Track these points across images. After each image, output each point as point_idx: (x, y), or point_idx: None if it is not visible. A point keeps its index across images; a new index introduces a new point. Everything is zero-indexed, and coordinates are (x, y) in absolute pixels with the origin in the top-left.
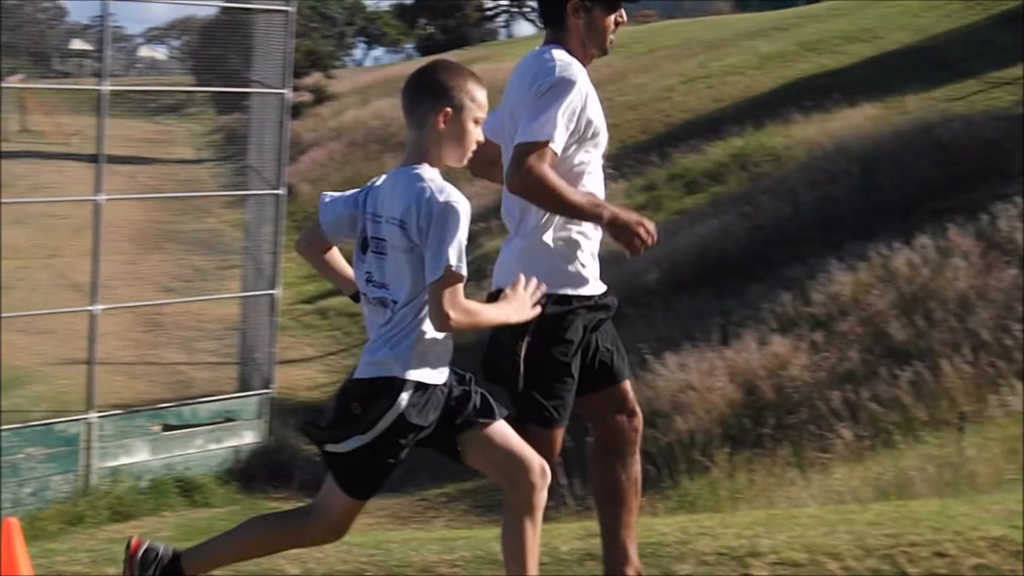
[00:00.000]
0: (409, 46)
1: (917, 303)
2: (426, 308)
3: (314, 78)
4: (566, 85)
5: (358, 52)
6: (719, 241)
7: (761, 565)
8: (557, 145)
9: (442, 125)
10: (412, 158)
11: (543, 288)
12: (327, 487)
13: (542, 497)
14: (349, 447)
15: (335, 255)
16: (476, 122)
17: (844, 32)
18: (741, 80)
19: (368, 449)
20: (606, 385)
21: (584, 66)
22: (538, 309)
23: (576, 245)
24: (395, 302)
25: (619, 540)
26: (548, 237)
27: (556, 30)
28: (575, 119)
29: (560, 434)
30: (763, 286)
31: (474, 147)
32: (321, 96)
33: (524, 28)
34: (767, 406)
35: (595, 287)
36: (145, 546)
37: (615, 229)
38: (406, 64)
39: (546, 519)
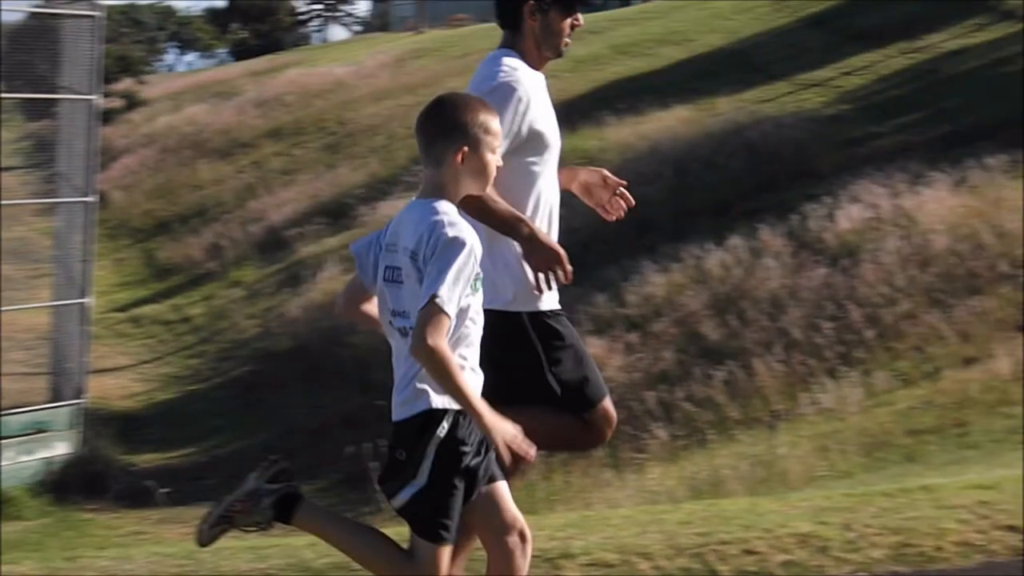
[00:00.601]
0: (222, 51)
1: (730, 303)
2: (450, 335)
3: (125, 84)
4: (507, 91)
5: (170, 57)
6: None
7: (573, 566)
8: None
9: (460, 163)
10: (429, 192)
11: (531, 455)
12: (414, 537)
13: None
14: (407, 496)
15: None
16: (493, 151)
17: (656, 35)
18: (554, 84)
19: (428, 491)
20: None
21: (538, 68)
22: (507, 456)
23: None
24: (411, 329)
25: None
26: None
27: (512, 32)
28: (513, 124)
29: None
30: (578, 288)
31: (494, 174)
32: (133, 102)
33: (338, 33)
34: None
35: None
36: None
37: (531, 246)
38: (219, 69)
39: None
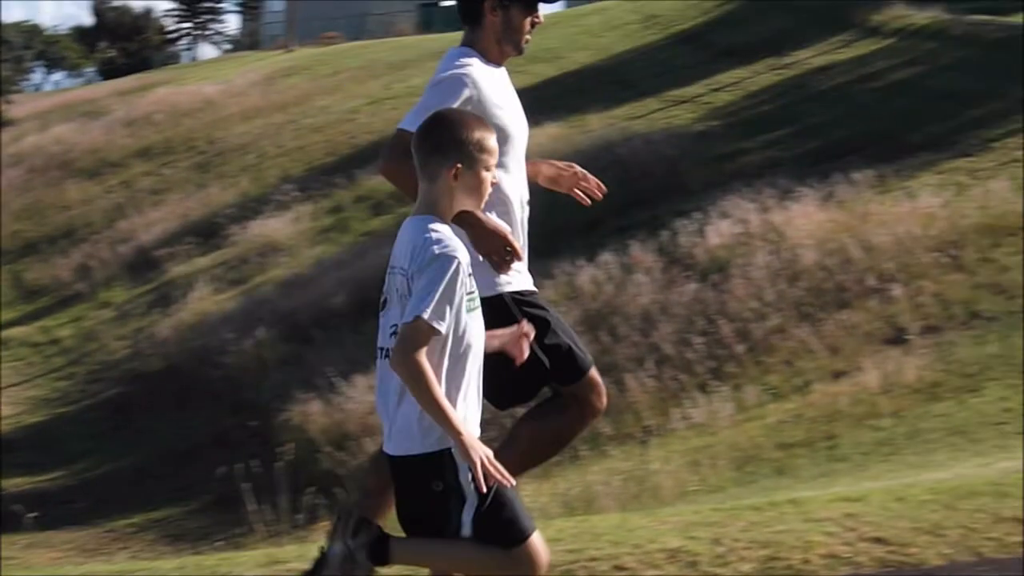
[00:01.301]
0: (90, 70)
1: (602, 319)
2: (447, 359)
3: None
4: (453, 84)
5: (37, 76)
6: None
7: None
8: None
9: (454, 181)
10: (423, 208)
11: (502, 479)
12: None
13: None
14: (469, 520)
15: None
16: (488, 168)
17: (527, 52)
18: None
19: (482, 504)
20: None
21: (499, 64)
22: (481, 481)
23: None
24: None
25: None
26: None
27: (473, 28)
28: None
29: None
30: None
31: (490, 190)
32: None
33: (207, 51)
34: None
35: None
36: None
37: (474, 232)
38: (87, 88)
39: (234, 546)
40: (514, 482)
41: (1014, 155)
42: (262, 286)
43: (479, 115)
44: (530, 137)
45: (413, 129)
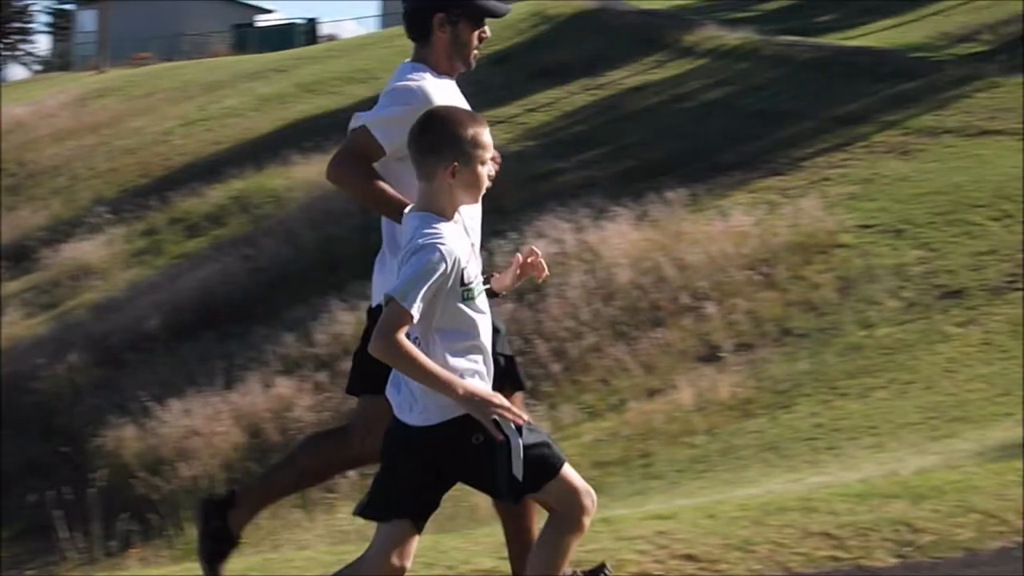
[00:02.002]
0: None
1: None
2: (438, 343)
3: None
4: (405, 94)
5: None
6: (221, 284)
7: None
8: (384, 141)
9: (451, 178)
10: (421, 205)
11: (516, 418)
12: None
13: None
14: (519, 460)
15: None
16: (484, 163)
17: (342, 73)
18: (240, 122)
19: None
20: None
21: (451, 78)
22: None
23: None
24: (416, 339)
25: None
26: None
27: (422, 44)
28: (397, 129)
29: None
30: (266, 328)
31: (487, 184)
32: None
33: (17, 72)
34: (273, 448)
35: None
36: None
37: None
38: None
39: (47, 575)
40: (526, 417)
41: (824, 173)
42: (75, 310)
43: (470, 110)
44: None
45: (379, 135)
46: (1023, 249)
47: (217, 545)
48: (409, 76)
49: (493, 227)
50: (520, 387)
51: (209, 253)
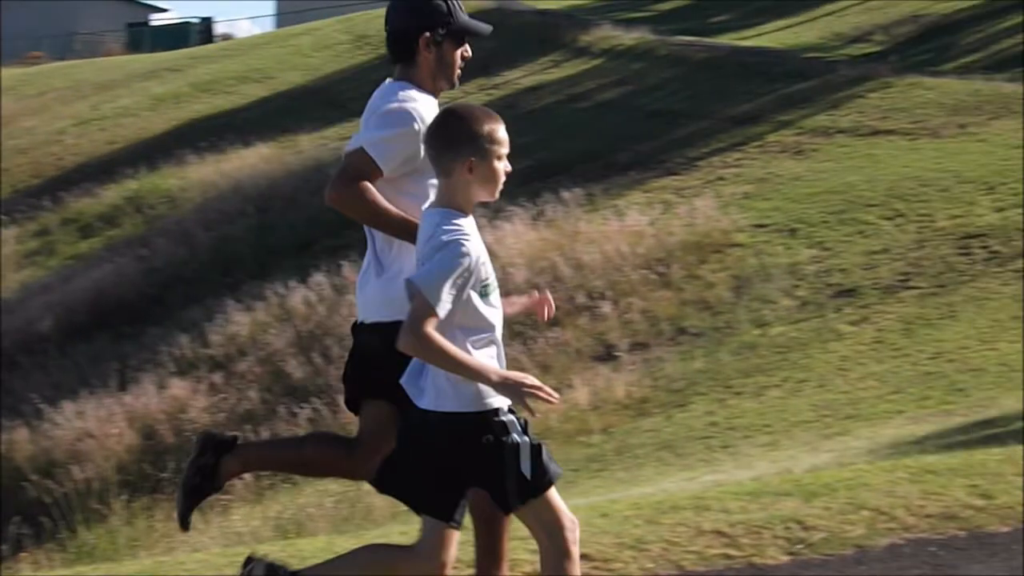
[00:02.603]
0: None
1: (314, 341)
2: (458, 336)
3: None
4: (403, 116)
5: None
6: (115, 285)
7: None
8: (382, 162)
9: (468, 174)
10: (440, 201)
11: (549, 397)
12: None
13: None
14: (527, 462)
15: None
16: (500, 159)
17: (237, 73)
18: (135, 122)
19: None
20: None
21: (434, 96)
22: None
23: None
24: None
25: None
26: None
27: (406, 65)
28: (408, 148)
29: None
30: (161, 329)
31: (503, 179)
32: None
33: None
34: (167, 450)
35: None
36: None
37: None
38: None
39: None
40: (558, 397)
41: (719, 173)
42: None
43: (485, 107)
44: (241, 159)
45: (379, 161)
46: (915, 248)
47: (201, 481)
48: (400, 96)
49: None
50: None
51: (103, 254)
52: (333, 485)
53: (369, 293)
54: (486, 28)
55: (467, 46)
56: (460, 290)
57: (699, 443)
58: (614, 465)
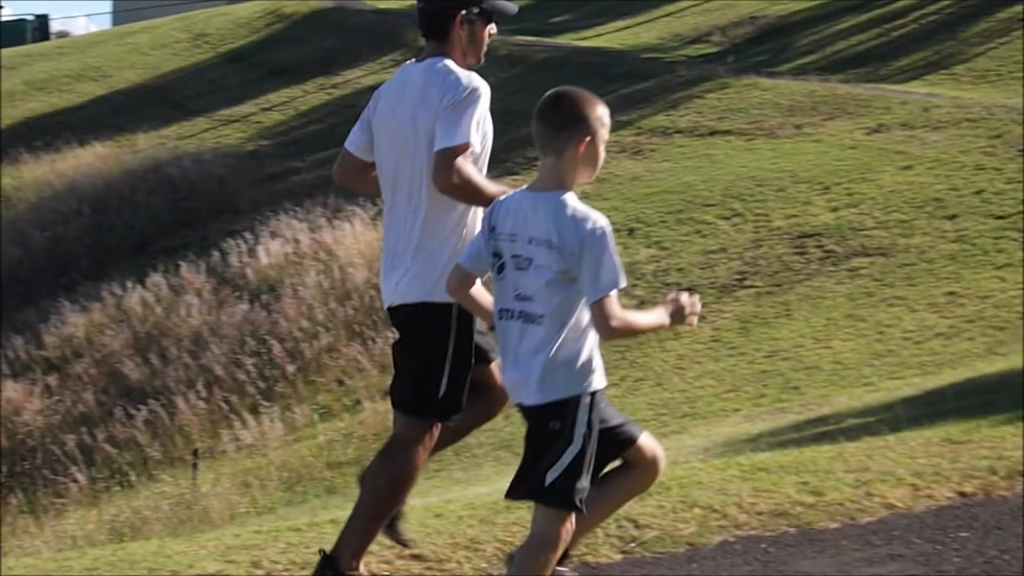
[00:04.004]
0: None
1: (151, 342)
2: (574, 320)
3: None
4: (480, 94)
5: None
6: None
7: None
8: (475, 142)
9: (579, 154)
10: (550, 183)
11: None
12: (543, 516)
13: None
14: (564, 464)
15: (480, 289)
16: (604, 143)
17: (73, 71)
18: None
19: (579, 458)
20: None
21: None
22: (694, 320)
23: None
24: (542, 316)
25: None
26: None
27: (440, 42)
28: (481, 123)
29: None
30: None
31: (601, 164)
32: None
33: None
34: (1, 453)
35: None
36: None
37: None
38: None
39: None
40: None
41: None
42: None
43: (594, 94)
44: (77, 158)
45: (475, 143)
46: (752, 248)
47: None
48: (462, 72)
49: (227, 227)
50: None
51: None
52: (168, 488)
53: (391, 278)
54: (513, 8)
55: (493, 25)
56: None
57: None
58: (452, 465)
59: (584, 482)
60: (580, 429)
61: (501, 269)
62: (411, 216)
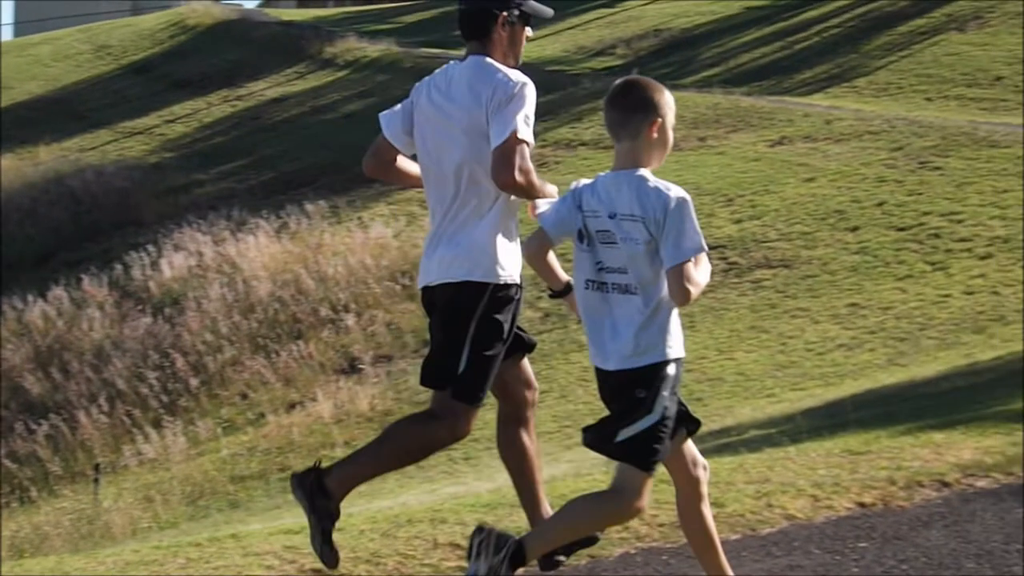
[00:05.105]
0: None
1: (53, 356)
2: (664, 291)
3: None
4: (529, 91)
5: None
6: None
7: None
8: (532, 140)
9: (655, 135)
10: (629, 163)
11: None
12: (623, 473)
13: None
14: (638, 429)
15: (553, 256)
16: (672, 127)
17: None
18: None
19: (658, 425)
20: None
21: None
22: None
23: (514, 239)
24: (636, 286)
25: (537, 493)
26: (501, 232)
27: (482, 42)
28: (532, 119)
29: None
30: None
31: (671, 148)
32: None
33: None
34: None
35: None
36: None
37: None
38: None
39: None
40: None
41: None
42: None
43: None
44: None
45: (529, 138)
46: None
47: None
48: (505, 70)
49: (130, 240)
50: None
51: None
52: (70, 503)
53: (432, 259)
54: (549, 12)
55: (530, 28)
56: None
57: (441, 455)
58: None
59: (662, 445)
60: (662, 400)
61: (589, 243)
62: (454, 203)
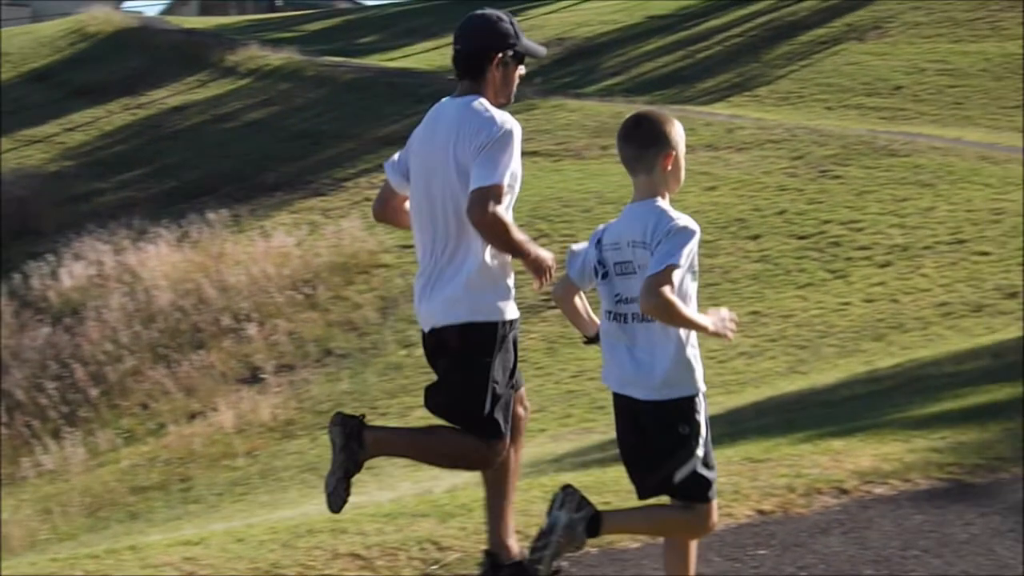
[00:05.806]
0: None
1: None
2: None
3: None
4: (517, 134)
5: None
6: None
7: None
8: (508, 185)
9: (669, 167)
10: (646, 195)
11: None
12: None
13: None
14: (690, 470)
15: (583, 301)
16: (684, 157)
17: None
18: None
19: (704, 462)
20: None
21: None
22: (731, 333)
23: (509, 274)
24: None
25: (505, 510)
26: (496, 268)
27: (475, 81)
28: (514, 163)
29: None
30: None
31: (684, 178)
32: None
33: None
34: None
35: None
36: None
37: (534, 265)
38: None
39: None
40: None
41: (365, 194)
42: None
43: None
44: None
45: (503, 182)
46: (558, 268)
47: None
48: (495, 111)
49: (29, 248)
50: None
51: None
52: None
53: (430, 303)
54: (543, 51)
55: (523, 66)
56: (689, 265)
57: None
58: (258, 489)
59: (711, 473)
60: (700, 433)
61: (605, 276)
62: (447, 242)
